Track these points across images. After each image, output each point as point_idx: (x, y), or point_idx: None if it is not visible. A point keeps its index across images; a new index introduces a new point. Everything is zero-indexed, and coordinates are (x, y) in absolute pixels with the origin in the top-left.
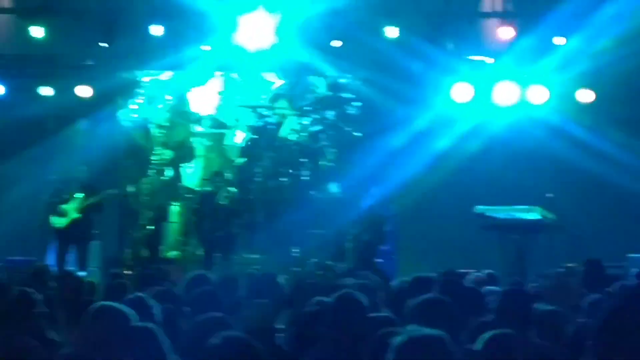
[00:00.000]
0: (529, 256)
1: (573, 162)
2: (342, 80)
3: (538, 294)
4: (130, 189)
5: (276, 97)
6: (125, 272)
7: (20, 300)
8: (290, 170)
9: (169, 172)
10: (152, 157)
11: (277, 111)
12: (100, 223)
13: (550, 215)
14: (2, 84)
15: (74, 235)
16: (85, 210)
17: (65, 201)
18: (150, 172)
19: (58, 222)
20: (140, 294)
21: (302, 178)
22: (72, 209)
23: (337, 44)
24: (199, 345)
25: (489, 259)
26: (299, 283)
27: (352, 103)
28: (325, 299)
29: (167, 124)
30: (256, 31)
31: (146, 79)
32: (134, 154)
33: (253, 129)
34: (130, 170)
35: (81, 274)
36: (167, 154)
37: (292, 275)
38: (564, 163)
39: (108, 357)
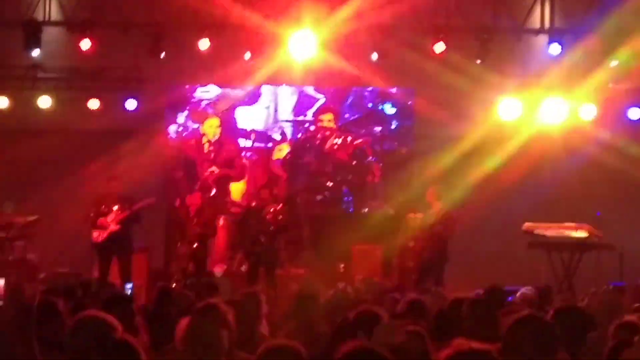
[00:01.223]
0: (577, 274)
1: (623, 179)
2: (388, 96)
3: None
4: (177, 202)
5: (322, 111)
6: (173, 285)
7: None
8: (335, 186)
9: (218, 188)
10: (202, 172)
11: (322, 124)
12: (147, 236)
13: (598, 233)
14: (50, 96)
15: (114, 248)
16: (122, 222)
17: (104, 214)
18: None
19: (97, 236)
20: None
21: (347, 193)
22: (111, 222)
23: (384, 58)
24: None
25: (537, 276)
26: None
27: (398, 117)
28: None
29: (217, 139)
30: (303, 45)
31: (198, 93)
32: (183, 169)
33: (298, 143)
34: (179, 184)
35: (127, 286)
36: (216, 169)
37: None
38: (613, 180)
39: None
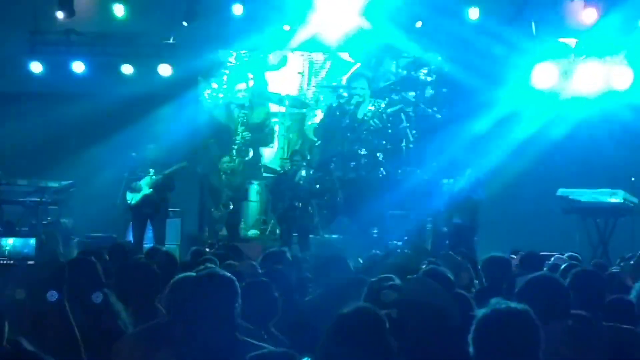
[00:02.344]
0: (612, 239)
1: None
2: (423, 62)
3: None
4: (210, 167)
5: (356, 77)
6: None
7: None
8: (369, 151)
9: (249, 152)
10: (234, 137)
11: (356, 91)
12: (181, 201)
13: (633, 199)
14: (84, 62)
15: (148, 212)
16: (156, 186)
17: (139, 178)
18: (231, 151)
19: (132, 198)
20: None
21: (381, 159)
22: (144, 185)
23: (418, 25)
24: None
25: (571, 242)
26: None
27: (433, 85)
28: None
29: (248, 104)
30: (337, 11)
31: (230, 59)
32: (215, 134)
33: (332, 109)
34: (212, 150)
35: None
36: (248, 134)
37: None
38: None
39: None
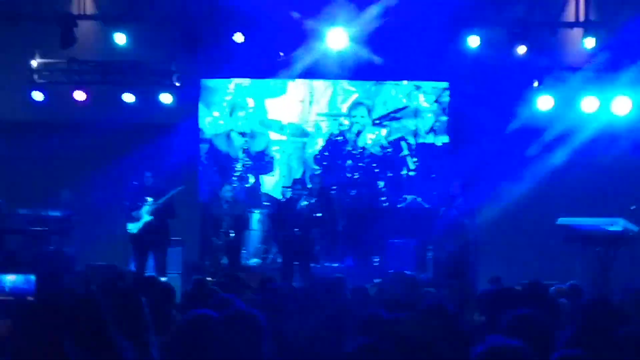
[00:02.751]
0: (613, 269)
1: None
2: (423, 88)
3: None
4: (211, 196)
5: (356, 105)
6: (208, 279)
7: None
8: (370, 179)
9: (250, 180)
10: (235, 165)
11: (357, 119)
12: (182, 230)
13: (633, 228)
14: (85, 90)
15: (149, 241)
16: (155, 214)
17: (139, 207)
18: (232, 179)
19: (132, 227)
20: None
21: (382, 187)
22: (144, 214)
23: (418, 52)
24: None
25: (572, 270)
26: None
27: (433, 111)
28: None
29: (249, 132)
30: (338, 39)
31: (231, 87)
32: (216, 162)
33: (333, 138)
34: (213, 178)
35: (162, 279)
36: (249, 162)
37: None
38: None
39: None
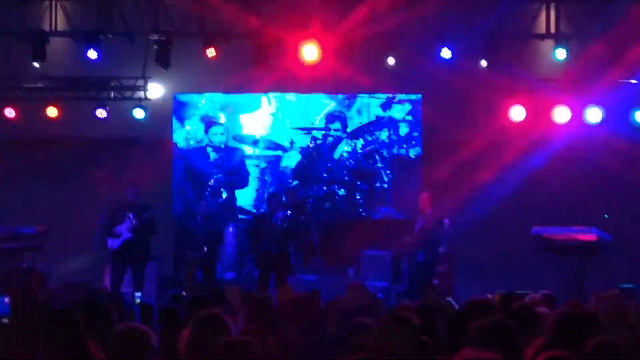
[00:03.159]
0: (587, 277)
1: (630, 182)
2: (396, 101)
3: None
4: (185, 210)
5: (330, 118)
6: (183, 293)
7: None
8: (345, 192)
9: (224, 194)
10: (208, 180)
11: (331, 132)
12: (157, 244)
13: (607, 237)
14: (57, 106)
15: (129, 256)
16: (136, 230)
17: (119, 223)
18: (206, 194)
19: (113, 243)
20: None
21: (357, 199)
22: (125, 230)
23: (391, 64)
24: None
25: (546, 279)
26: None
27: (406, 122)
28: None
29: (222, 146)
30: (311, 52)
31: (204, 101)
32: (190, 177)
33: (307, 151)
34: (187, 193)
35: (137, 294)
36: (222, 177)
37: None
38: (621, 183)
39: None
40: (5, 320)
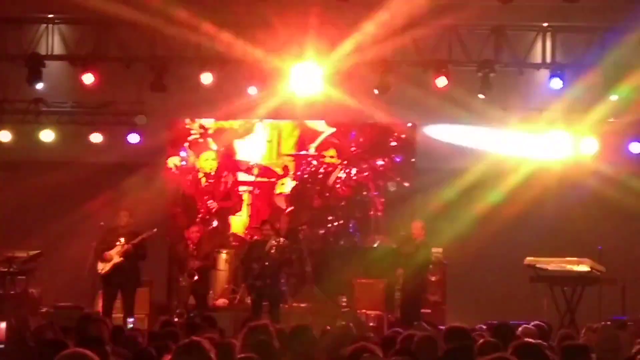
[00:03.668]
0: (579, 308)
1: (624, 213)
2: (391, 130)
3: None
4: (177, 236)
5: (325, 145)
6: (175, 319)
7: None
8: (338, 219)
9: (214, 221)
10: (199, 206)
11: (325, 160)
12: (149, 270)
13: (599, 267)
14: (52, 130)
15: (120, 281)
16: (127, 255)
17: (110, 247)
18: (196, 220)
19: (102, 267)
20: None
21: (350, 227)
22: (115, 254)
23: (386, 93)
24: None
25: (539, 310)
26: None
27: (401, 151)
28: None
29: (213, 172)
30: (306, 79)
31: (196, 127)
32: (181, 202)
33: (301, 178)
34: (178, 218)
35: (130, 320)
36: (213, 203)
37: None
38: (614, 214)
39: None
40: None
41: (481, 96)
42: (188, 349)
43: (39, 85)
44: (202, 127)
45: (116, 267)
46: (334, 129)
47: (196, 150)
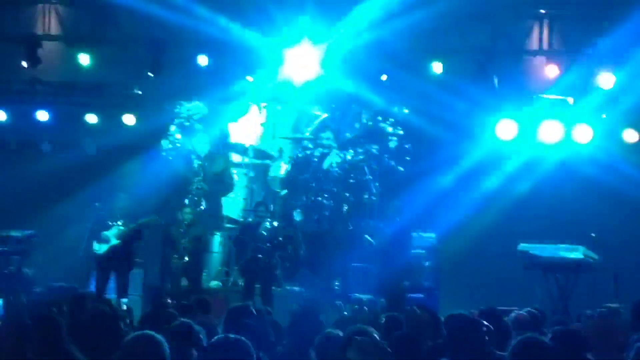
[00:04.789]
0: (572, 295)
1: (617, 200)
2: (388, 114)
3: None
4: (170, 218)
5: (320, 129)
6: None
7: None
8: (333, 203)
9: (207, 203)
10: (192, 187)
11: (321, 142)
12: (143, 251)
13: (593, 255)
14: (48, 110)
15: (114, 263)
16: (124, 237)
17: (107, 228)
18: (189, 202)
19: (99, 248)
20: (186, 320)
21: (344, 211)
22: (112, 236)
23: (382, 77)
24: None
25: (532, 297)
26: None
27: (397, 136)
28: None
29: (207, 154)
30: (302, 63)
31: (191, 108)
32: (174, 184)
33: (296, 161)
34: (171, 200)
35: (123, 301)
36: (204, 185)
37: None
38: (608, 201)
39: None
40: None
41: (477, 82)
42: (178, 332)
43: (36, 66)
44: (188, 110)
45: (113, 248)
46: (330, 113)
47: (185, 133)
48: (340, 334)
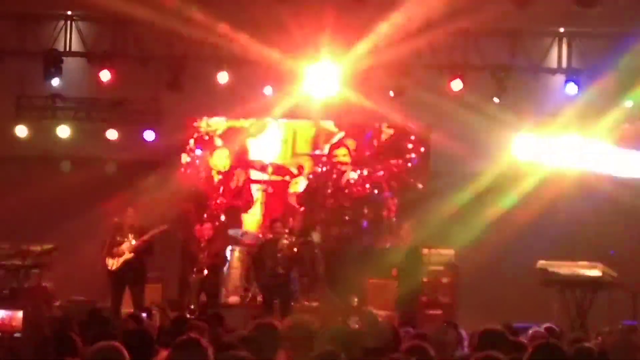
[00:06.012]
0: (590, 313)
1: (637, 218)
2: (405, 132)
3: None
4: (189, 233)
5: (337, 145)
6: (187, 316)
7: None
8: (352, 219)
9: (226, 218)
10: (210, 202)
11: (339, 159)
12: (162, 266)
13: (611, 272)
14: (69, 126)
15: (127, 277)
16: (135, 251)
17: (119, 243)
18: (208, 217)
19: (112, 263)
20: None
21: (363, 227)
22: (125, 250)
23: (401, 95)
24: None
25: (549, 314)
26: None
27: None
28: None
29: (227, 169)
30: (321, 80)
31: (203, 125)
32: (193, 199)
33: (315, 177)
34: (190, 215)
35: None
36: (223, 200)
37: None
38: (627, 219)
39: None
40: (18, 334)
41: (496, 100)
42: (185, 345)
43: (56, 82)
44: (209, 125)
45: (126, 263)
46: (348, 130)
47: (205, 148)
48: None
